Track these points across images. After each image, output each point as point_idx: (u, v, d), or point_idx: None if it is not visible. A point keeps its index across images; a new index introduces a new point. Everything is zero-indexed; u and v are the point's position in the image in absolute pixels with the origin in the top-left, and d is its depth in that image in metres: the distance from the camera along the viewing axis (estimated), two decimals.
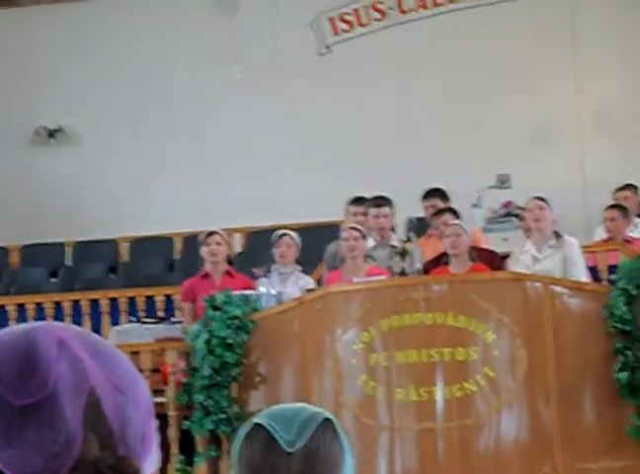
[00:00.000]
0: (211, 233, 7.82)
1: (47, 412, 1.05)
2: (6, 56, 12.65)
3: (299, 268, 7.90)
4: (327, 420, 1.75)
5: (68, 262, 11.97)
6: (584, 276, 7.36)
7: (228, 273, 7.76)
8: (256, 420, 1.76)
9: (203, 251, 7.76)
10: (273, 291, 7.31)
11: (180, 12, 12.45)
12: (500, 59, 11.95)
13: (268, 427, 1.73)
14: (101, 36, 12.56)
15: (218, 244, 7.74)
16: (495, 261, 7.72)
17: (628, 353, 6.41)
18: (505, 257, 7.86)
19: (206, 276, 7.73)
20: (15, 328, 1.13)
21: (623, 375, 6.39)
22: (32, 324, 1.13)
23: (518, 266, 7.44)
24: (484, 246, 8.22)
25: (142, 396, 1.13)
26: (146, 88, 12.41)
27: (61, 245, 12.06)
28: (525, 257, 7.48)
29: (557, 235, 7.49)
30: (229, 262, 7.91)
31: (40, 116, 12.62)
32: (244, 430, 1.78)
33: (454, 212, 8.02)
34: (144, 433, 1.11)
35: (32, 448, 1.03)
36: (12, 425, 1.04)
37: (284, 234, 7.91)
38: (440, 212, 8.08)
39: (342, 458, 1.75)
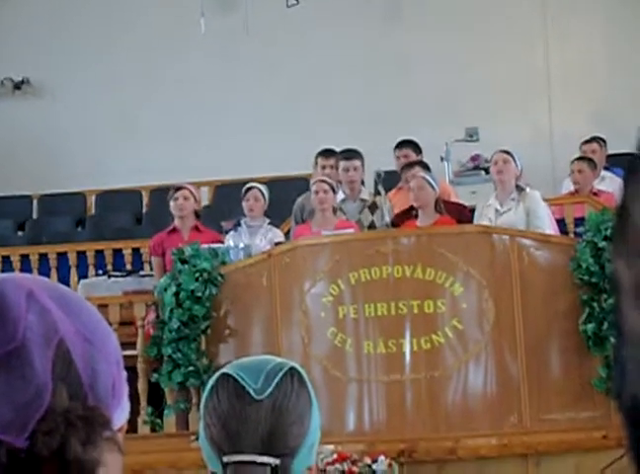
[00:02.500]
0: (179, 188, 7.81)
1: (17, 363, 1.05)
2: None
3: (268, 221, 7.91)
4: (294, 369, 1.77)
5: (35, 215, 11.90)
6: (547, 229, 7.39)
7: (196, 227, 7.76)
8: (223, 370, 1.78)
9: (172, 206, 7.75)
10: (241, 244, 7.32)
11: None
12: (469, 16, 11.91)
13: (236, 376, 1.74)
14: None
15: (186, 199, 7.74)
16: (464, 214, 7.75)
17: (594, 304, 6.47)
18: (473, 210, 7.88)
19: (174, 230, 7.73)
20: None
21: (590, 327, 6.46)
22: None
23: (481, 219, 7.48)
24: (453, 199, 8.24)
25: (111, 347, 1.13)
26: (114, 41, 12.28)
27: (28, 198, 11.98)
28: (488, 210, 7.52)
29: (519, 188, 7.52)
30: (197, 216, 7.90)
31: (5, 67, 12.48)
32: (212, 381, 1.79)
33: (424, 165, 8.03)
34: (114, 383, 1.11)
35: (0, 399, 1.03)
36: None
37: (252, 187, 7.91)
38: (409, 165, 8.08)
39: (309, 406, 1.77)
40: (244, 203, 7.81)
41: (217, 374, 1.79)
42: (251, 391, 1.73)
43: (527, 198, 7.40)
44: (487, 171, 10.89)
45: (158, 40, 12.18)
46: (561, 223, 8.14)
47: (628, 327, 0.60)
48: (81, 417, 1.05)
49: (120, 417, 1.12)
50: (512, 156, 7.55)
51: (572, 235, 7.94)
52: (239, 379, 1.74)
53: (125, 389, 1.14)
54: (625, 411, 0.63)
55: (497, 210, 7.45)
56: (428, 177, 7.50)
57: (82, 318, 1.11)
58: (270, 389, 1.73)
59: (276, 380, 1.74)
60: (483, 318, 6.69)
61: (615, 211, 0.63)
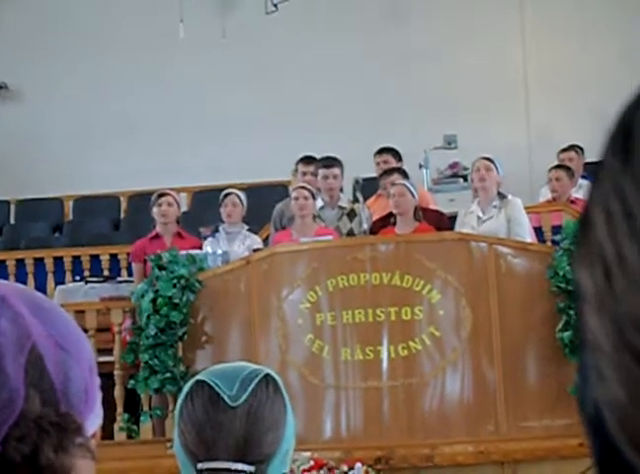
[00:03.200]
0: (163, 194, 7.81)
1: None
2: None
3: (246, 227, 7.91)
4: (269, 376, 1.77)
5: (12, 220, 11.84)
6: (528, 236, 7.42)
7: (179, 234, 7.76)
8: (198, 377, 1.77)
9: (154, 212, 7.74)
10: (219, 251, 7.31)
11: None
12: (447, 21, 11.94)
13: (210, 383, 1.74)
14: None
15: (170, 205, 7.74)
16: (443, 222, 7.77)
17: (571, 312, 6.49)
18: (452, 217, 7.90)
19: (157, 236, 7.72)
20: None
21: (566, 335, 6.48)
22: None
23: (463, 227, 7.49)
24: (432, 206, 8.26)
25: (85, 353, 1.12)
26: (92, 46, 12.26)
27: (5, 203, 11.93)
28: (470, 218, 7.54)
29: (501, 196, 7.54)
30: (178, 222, 7.90)
31: None
32: (186, 388, 1.78)
33: (403, 173, 8.05)
34: (87, 390, 1.11)
35: None
36: None
37: (230, 193, 7.91)
38: (389, 172, 8.10)
39: (284, 413, 1.77)
40: (222, 209, 7.81)
41: (192, 381, 1.78)
42: (226, 398, 1.73)
43: (509, 206, 7.43)
44: (465, 178, 10.94)
45: (137, 46, 12.16)
46: (538, 231, 8.17)
47: (589, 335, 0.61)
48: (53, 423, 1.05)
49: (93, 423, 1.12)
50: (493, 163, 7.57)
51: (549, 243, 7.96)
52: (214, 386, 1.74)
53: (99, 396, 1.14)
54: (587, 419, 0.63)
55: (479, 218, 7.46)
56: (408, 184, 7.52)
57: (55, 324, 1.11)
58: (244, 396, 1.73)
59: (250, 387, 1.74)
60: (460, 325, 6.70)
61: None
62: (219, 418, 1.72)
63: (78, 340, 1.13)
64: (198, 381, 1.77)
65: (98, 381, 1.14)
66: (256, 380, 1.75)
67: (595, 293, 0.60)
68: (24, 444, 1.02)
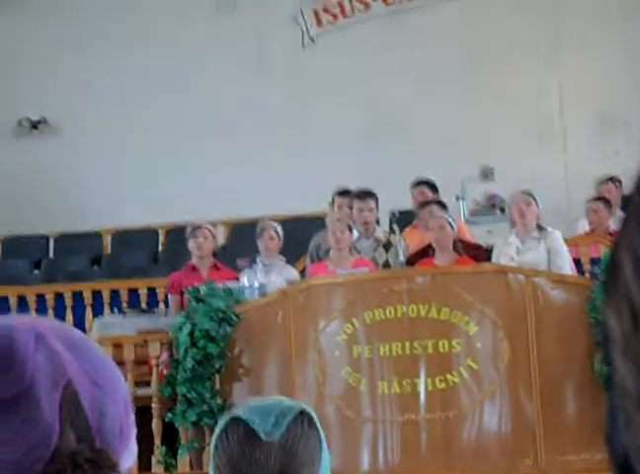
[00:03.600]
0: (199, 227, 7.84)
1: (25, 405, 1.05)
2: None
3: (283, 259, 7.92)
4: (304, 411, 1.77)
5: (51, 254, 11.93)
6: (569, 268, 7.39)
7: (215, 266, 7.78)
8: (233, 412, 1.77)
9: (191, 245, 7.77)
10: (256, 283, 7.32)
11: (163, 7, 12.41)
12: (484, 53, 11.95)
13: (246, 418, 1.74)
14: (85, 28, 12.51)
15: (205, 238, 7.77)
16: (480, 254, 7.74)
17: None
18: (489, 249, 7.88)
19: (193, 269, 7.75)
20: None
21: (605, 368, 6.42)
22: (9, 317, 1.13)
23: (501, 258, 7.46)
24: (468, 238, 8.24)
25: (120, 390, 1.13)
26: (127, 79, 12.37)
27: (45, 237, 12.03)
28: (509, 249, 7.51)
29: (540, 228, 7.52)
30: (215, 255, 7.93)
31: (23, 106, 12.57)
32: (222, 423, 1.78)
33: (442, 204, 8.05)
34: (122, 426, 1.11)
35: (8, 442, 1.03)
36: None
37: (267, 226, 7.93)
38: (426, 204, 8.11)
39: (319, 449, 1.77)
40: (259, 242, 7.83)
41: (227, 416, 1.79)
42: (261, 433, 1.72)
43: (549, 238, 7.41)
44: (503, 210, 10.91)
45: (172, 81, 12.26)
46: (577, 263, 8.12)
47: (618, 378, 0.60)
48: (88, 459, 1.06)
49: (128, 459, 1.12)
50: (532, 197, 7.56)
51: (587, 275, 7.91)
52: (249, 421, 1.74)
53: (133, 432, 1.14)
54: (616, 462, 0.63)
55: (518, 249, 7.44)
56: (447, 216, 7.51)
57: (91, 360, 1.12)
58: (280, 432, 1.72)
59: (286, 423, 1.73)
60: (498, 358, 6.65)
61: (608, 260, 0.63)
62: (255, 453, 1.72)
63: (113, 377, 1.13)
64: (233, 416, 1.77)
65: (132, 418, 1.15)
66: (291, 416, 1.74)
67: (621, 336, 0.60)
68: None
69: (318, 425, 1.78)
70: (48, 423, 1.05)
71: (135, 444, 1.15)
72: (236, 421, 1.76)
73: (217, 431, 1.79)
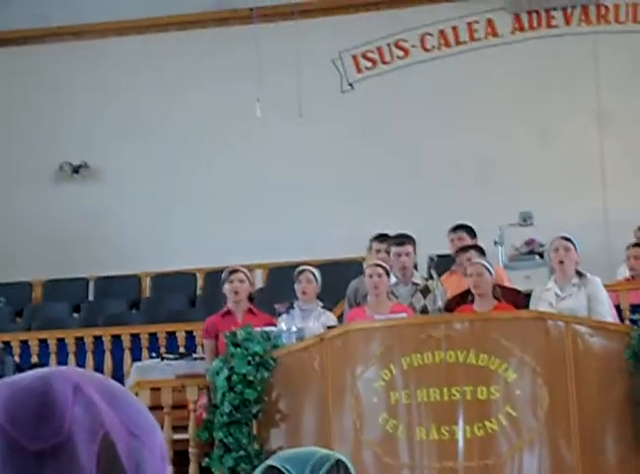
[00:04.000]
0: (234, 271, 7.84)
1: (63, 457, 1.06)
2: (32, 92, 12.77)
3: (321, 304, 7.91)
4: (340, 461, 1.76)
5: (91, 297, 12.01)
6: (610, 315, 7.32)
7: (250, 310, 7.78)
8: (269, 462, 1.77)
9: (226, 288, 7.78)
10: (294, 328, 7.31)
11: (202, 47, 12.54)
12: (523, 98, 11.96)
13: (281, 468, 1.74)
14: (124, 74, 12.67)
15: (241, 282, 7.77)
16: (519, 299, 7.70)
17: None
18: (528, 295, 7.83)
19: (228, 313, 7.75)
20: (31, 373, 1.14)
21: None
22: (47, 369, 1.14)
23: (540, 304, 7.42)
24: (507, 284, 8.20)
25: (157, 440, 1.13)
26: (168, 126, 12.49)
27: (84, 280, 12.11)
28: (549, 295, 7.47)
29: (580, 274, 7.48)
30: (250, 299, 7.93)
31: (64, 151, 12.71)
32: (258, 472, 1.78)
33: (480, 250, 8.02)
34: None
35: None
36: (27, 470, 1.05)
37: (305, 270, 7.92)
38: (465, 249, 8.08)
39: None
40: (296, 286, 7.82)
41: (263, 466, 1.78)
42: None
43: (589, 284, 7.36)
44: (541, 255, 10.86)
45: (214, 125, 12.36)
46: (617, 310, 8.06)
47: None
48: None
49: None
50: (572, 242, 7.53)
51: (627, 322, 7.84)
52: (285, 472, 1.73)
53: None
54: None
55: (557, 295, 7.40)
56: (485, 262, 7.47)
57: (128, 412, 1.12)
58: None
59: (321, 473, 1.73)
60: (537, 405, 6.60)
61: None
62: None
63: (150, 427, 1.14)
64: (268, 466, 1.77)
65: (169, 469, 1.15)
66: (326, 466, 1.74)
67: None
68: None
69: None
70: None
71: None
72: (271, 470, 1.75)
73: None
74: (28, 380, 1.11)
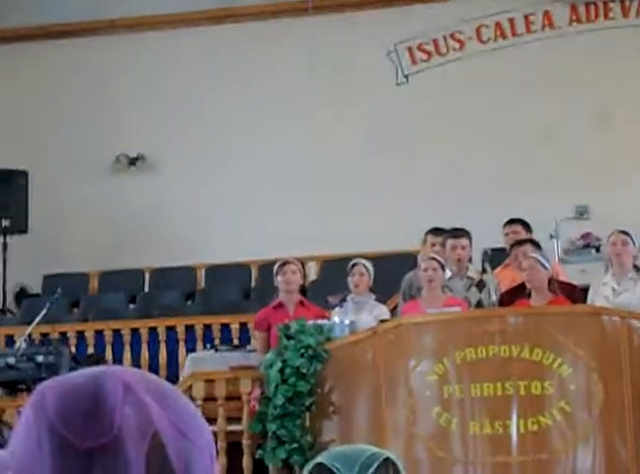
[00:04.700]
0: (286, 262, 7.86)
1: (112, 455, 1.07)
2: (88, 84, 12.88)
3: (374, 296, 7.90)
4: (389, 459, 1.76)
5: (146, 288, 12.10)
6: None
7: (301, 303, 7.79)
8: (318, 459, 1.77)
9: (278, 280, 7.79)
10: (346, 321, 7.32)
11: (257, 39, 12.57)
12: (580, 91, 11.84)
13: (330, 466, 1.74)
14: (181, 64, 12.73)
15: (293, 273, 7.78)
16: (575, 294, 7.65)
17: None
18: (583, 289, 7.78)
19: (280, 305, 7.76)
20: (82, 371, 1.15)
21: None
22: (99, 368, 1.15)
23: (597, 298, 7.37)
24: (562, 278, 8.14)
25: (206, 441, 1.14)
26: (223, 118, 12.53)
27: (140, 271, 12.20)
28: (605, 289, 7.41)
29: (637, 268, 7.41)
30: (303, 291, 7.94)
31: (121, 143, 12.80)
32: (307, 470, 1.79)
33: (535, 244, 7.97)
34: None
35: None
36: (77, 468, 1.06)
37: (357, 263, 7.92)
38: (520, 243, 8.04)
39: None
40: (349, 279, 7.82)
41: (312, 463, 1.79)
42: None
43: None
44: (598, 249, 10.76)
45: (267, 117, 12.38)
46: None
47: None
48: None
49: None
50: (630, 236, 7.46)
51: None
52: (334, 470, 1.74)
53: None
54: None
55: (614, 290, 7.34)
56: (539, 257, 7.42)
57: (177, 411, 1.13)
58: None
59: (370, 471, 1.73)
60: (592, 401, 6.55)
61: None
62: None
63: (200, 427, 1.14)
64: (318, 464, 1.77)
65: (217, 469, 1.16)
66: (376, 464, 1.74)
67: None
68: None
69: (403, 473, 1.78)
70: (136, 473, 1.06)
71: None
72: (321, 468, 1.76)
73: None
74: (79, 379, 1.13)
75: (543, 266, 7.33)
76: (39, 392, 1.11)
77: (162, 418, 1.11)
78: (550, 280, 7.36)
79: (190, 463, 1.11)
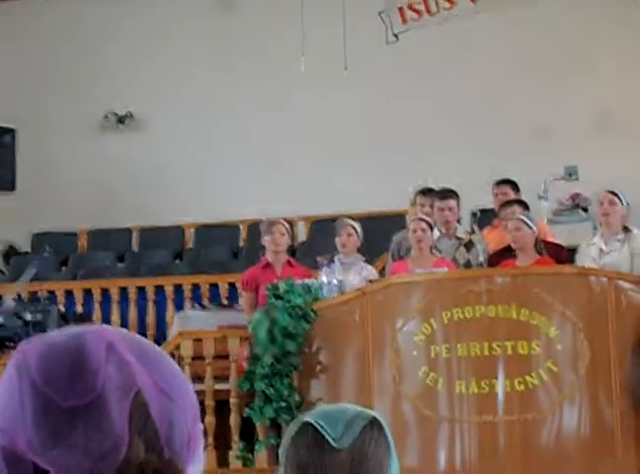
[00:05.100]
0: (275, 223, 7.85)
1: (95, 414, 1.07)
2: (77, 42, 12.79)
3: (362, 257, 7.91)
4: (374, 419, 1.77)
5: (135, 247, 12.09)
6: None
7: (289, 262, 7.79)
8: (303, 418, 1.78)
9: (266, 240, 7.79)
10: (334, 281, 7.33)
11: (247, 1, 12.49)
12: (566, 50, 11.81)
13: (315, 424, 1.75)
14: (171, 23, 12.65)
15: (282, 234, 7.78)
16: (562, 254, 7.66)
17: None
18: (572, 250, 7.79)
19: (267, 265, 7.77)
20: (65, 331, 1.15)
21: None
22: (81, 328, 1.15)
23: (584, 259, 7.38)
24: (549, 239, 8.16)
25: (189, 401, 1.14)
26: (214, 77, 12.47)
27: (128, 230, 12.18)
28: (593, 250, 7.42)
29: (626, 229, 7.41)
30: (292, 252, 7.94)
31: (109, 101, 12.74)
32: (292, 428, 1.79)
33: (523, 204, 7.97)
34: (190, 437, 1.13)
35: (78, 450, 1.05)
36: (60, 426, 1.06)
37: (345, 223, 7.92)
38: (508, 203, 8.04)
39: (388, 457, 1.76)
40: (337, 239, 7.83)
41: (297, 421, 1.79)
42: (330, 440, 1.73)
43: (634, 240, 7.30)
44: (586, 210, 10.78)
45: (256, 77, 12.32)
46: None
47: None
48: (157, 470, 1.07)
49: (196, 470, 1.14)
50: (618, 196, 7.45)
51: None
52: (319, 428, 1.74)
53: (201, 443, 1.16)
54: None
55: (601, 250, 7.35)
56: (525, 217, 7.42)
57: (161, 371, 1.13)
58: (349, 438, 1.73)
59: (355, 429, 1.74)
60: (578, 360, 6.58)
61: None
62: (323, 460, 1.72)
63: (183, 388, 1.15)
64: (303, 423, 1.78)
65: (201, 429, 1.16)
66: (361, 423, 1.75)
67: None
68: None
69: (388, 432, 1.79)
70: (119, 432, 1.07)
71: (203, 455, 1.16)
72: (306, 426, 1.77)
73: (287, 436, 1.80)
74: (61, 339, 1.13)
75: (529, 227, 7.34)
76: (21, 351, 1.11)
77: (145, 377, 1.11)
78: (536, 241, 7.37)
79: (172, 422, 1.11)
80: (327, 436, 1.73)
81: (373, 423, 1.77)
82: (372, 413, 1.79)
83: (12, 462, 1.06)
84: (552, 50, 11.84)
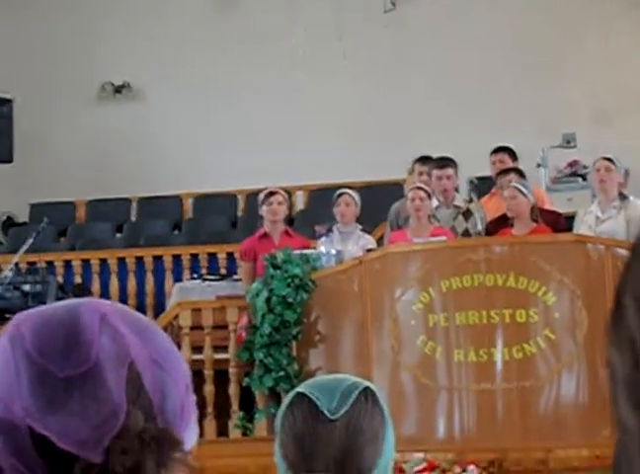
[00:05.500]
0: (273, 193, 7.84)
1: (91, 383, 1.08)
2: (74, 12, 12.73)
3: (360, 227, 7.91)
4: (368, 389, 1.78)
5: (133, 217, 12.08)
6: None
7: (287, 232, 7.79)
8: (298, 389, 1.79)
9: (264, 210, 7.78)
10: (333, 251, 7.34)
11: None
12: (566, 20, 11.76)
13: (310, 395, 1.75)
14: None
15: (280, 204, 7.77)
16: (559, 222, 7.66)
17: None
18: (570, 217, 7.80)
19: (265, 235, 7.76)
20: (59, 303, 1.16)
21: None
22: (75, 300, 1.16)
23: (581, 226, 7.39)
24: (547, 206, 8.16)
25: (181, 372, 1.15)
26: (213, 48, 12.42)
27: (127, 201, 12.18)
28: (589, 217, 7.43)
29: (622, 196, 7.41)
30: (290, 221, 7.94)
31: (106, 71, 12.70)
32: (287, 399, 1.80)
33: (520, 172, 7.97)
34: (183, 407, 1.14)
35: (76, 417, 1.06)
36: (57, 395, 1.07)
37: (343, 193, 7.92)
38: (505, 171, 8.04)
39: (383, 426, 1.77)
40: (335, 209, 7.83)
41: (293, 392, 1.80)
42: (325, 411, 1.74)
43: (630, 207, 7.31)
44: (584, 177, 10.77)
45: (252, 44, 12.28)
46: None
47: (620, 416, 0.60)
48: (154, 437, 1.08)
49: (190, 440, 1.15)
50: (614, 163, 7.45)
51: None
52: (314, 399, 1.75)
53: (194, 413, 1.17)
54: None
55: (597, 218, 7.36)
56: (520, 186, 7.42)
57: (154, 343, 1.14)
58: (344, 409, 1.74)
59: (350, 400, 1.74)
60: (576, 328, 6.61)
61: (613, 300, 0.63)
62: (319, 430, 1.73)
63: (175, 359, 1.16)
64: (298, 393, 1.78)
65: (194, 399, 1.17)
66: (355, 393, 1.75)
67: (623, 378, 0.59)
68: (127, 457, 1.06)
69: (383, 402, 1.79)
70: (116, 400, 1.08)
71: (196, 425, 1.17)
72: (301, 397, 1.77)
73: (283, 407, 1.81)
74: (55, 311, 1.14)
75: (524, 195, 7.33)
76: (14, 323, 1.12)
77: (138, 348, 1.12)
78: (532, 209, 7.37)
79: (165, 393, 1.12)
80: (322, 407, 1.74)
81: (368, 393, 1.77)
82: (367, 383, 1.79)
83: (6, 430, 1.07)
84: (554, 22, 11.79)
